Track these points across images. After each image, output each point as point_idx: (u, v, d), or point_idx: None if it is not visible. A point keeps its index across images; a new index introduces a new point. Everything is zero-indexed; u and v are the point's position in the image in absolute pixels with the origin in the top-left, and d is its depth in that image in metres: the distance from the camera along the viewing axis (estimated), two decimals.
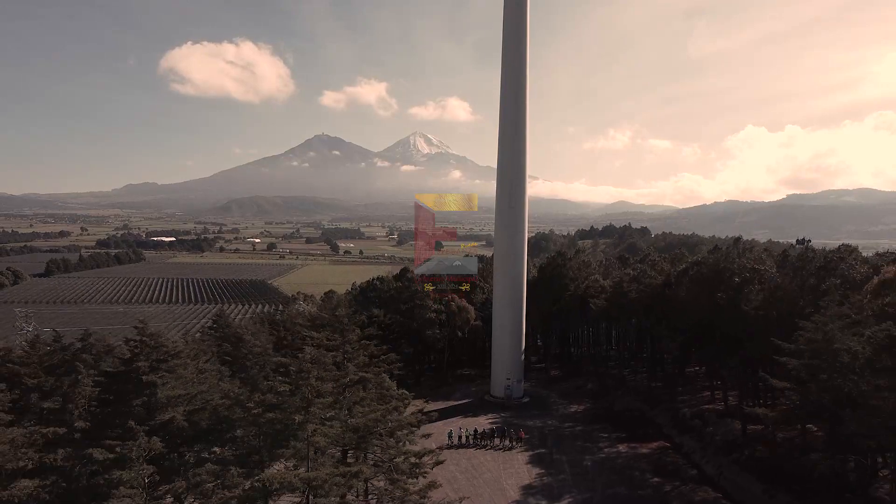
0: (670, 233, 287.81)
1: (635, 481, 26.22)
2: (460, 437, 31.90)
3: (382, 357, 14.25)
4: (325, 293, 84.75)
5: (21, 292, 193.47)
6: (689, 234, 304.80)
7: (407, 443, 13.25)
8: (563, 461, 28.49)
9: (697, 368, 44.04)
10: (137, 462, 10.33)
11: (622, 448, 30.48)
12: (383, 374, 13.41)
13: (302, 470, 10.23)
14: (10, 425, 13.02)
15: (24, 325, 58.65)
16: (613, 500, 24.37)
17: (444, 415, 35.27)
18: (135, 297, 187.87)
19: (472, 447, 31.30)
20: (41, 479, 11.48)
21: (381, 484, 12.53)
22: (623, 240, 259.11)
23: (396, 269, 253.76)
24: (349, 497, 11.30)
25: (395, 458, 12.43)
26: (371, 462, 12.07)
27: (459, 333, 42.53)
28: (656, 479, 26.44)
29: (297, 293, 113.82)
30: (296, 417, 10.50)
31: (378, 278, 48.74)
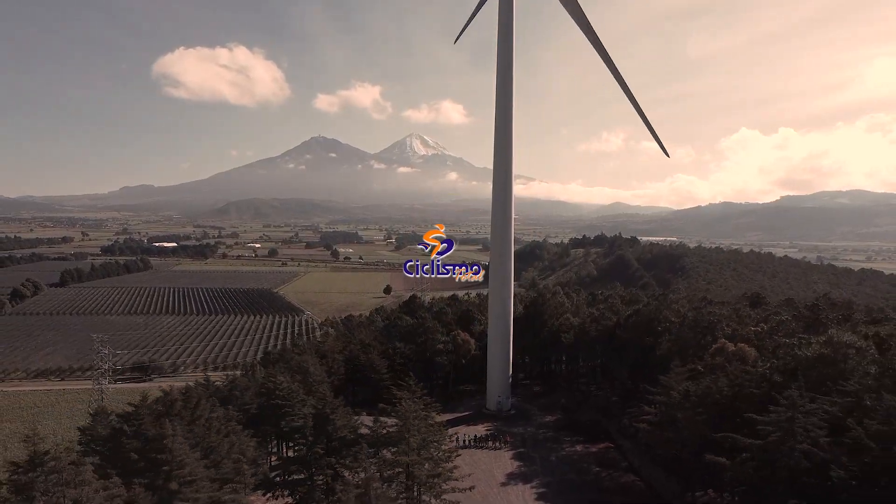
0: (657, 243, 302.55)
1: (583, 471, 38.61)
2: (463, 440, 44.09)
3: (432, 404, 26.28)
4: (344, 317, 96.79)
5: (43, 302, 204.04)
6: (677, 243, 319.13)
7: (443, 445, 25.36)
8: (536, 457, 40.79)
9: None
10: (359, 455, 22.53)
11: (578, 448, 42.88)
12: (431, 415, 25.25)
13: (405, 457, 22.39)
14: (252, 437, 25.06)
15: (101, 348, 70.19)
16: (566, 482, 36.67)
17: (451, 423, 47.45)
18: (151, 308, 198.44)
19: (472, 447, 43.41)
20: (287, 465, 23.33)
21: (427, 466, 24.59)
22: (613, 249, 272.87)
23: (396, 276, 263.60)
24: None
25: (437, 453, 24.53)
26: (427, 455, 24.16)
27: (462, 361, 54.90)
28: (598, 469, 38.84)
29: (326, 320, 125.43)
30: (405, 435, 22.69)
31: (398, 316, 60.71)
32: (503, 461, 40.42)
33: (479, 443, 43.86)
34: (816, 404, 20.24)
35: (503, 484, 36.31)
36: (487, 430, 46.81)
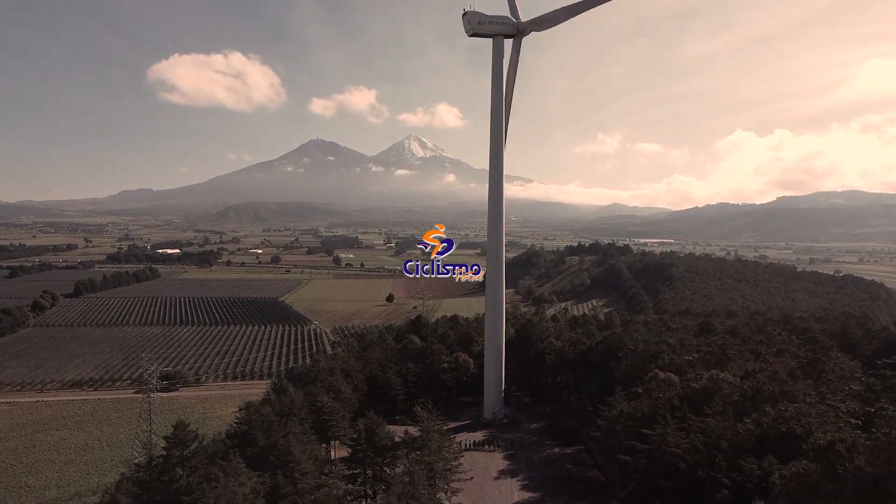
0: (649, 252, 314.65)
1: (558, 467, 49.41)
2: (465, 444, 54.71)
3: (444, 421, 37.16)
4: (358, 334, 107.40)
5: (62, 313, 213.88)
6: (668, 251, 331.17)
7: (451, 448, 36.08)
8: (522, 458, 51.55)
9: None
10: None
11: (556, 450, 53.70)
12: (442, 428, 35.82)
13: (427, 457, 33.09)
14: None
15: (149, 365, 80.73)
16: (544, 477, 47.43)
17: (455, 430, 58.18)
18: (166, 319, 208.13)
19: (472, 450, 53.95)
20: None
21: (441, 463, 35.27)
22: (606, 258, 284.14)
23: (397, 283, 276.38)
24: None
25: (447, 454, 35.22)
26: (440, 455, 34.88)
27: (463, 378, 65.77)
28: (570, 466, 49.65)
29: (335, 332, 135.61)
30: (427, 442, 33.58)
31: (409, 339, 71.37)
32: (496, 461, 51.20)
33: (477, 446, 54.53)
34: (691, 422, 31.02)
35: (495, 478, 47.10)
36: (484, 435, 57.51)
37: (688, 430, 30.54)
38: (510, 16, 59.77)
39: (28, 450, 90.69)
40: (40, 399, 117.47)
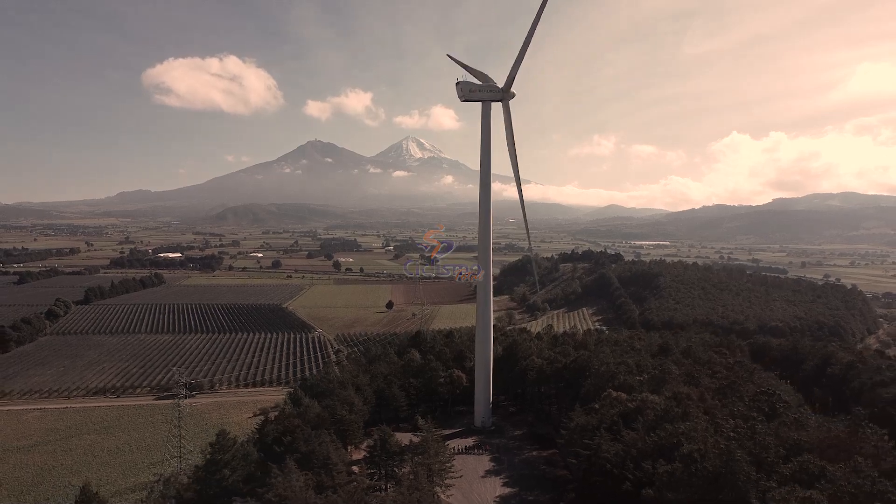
0: (641, 259, 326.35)
1: (534, 468, 59.67)
2: (457, 449, 64.84)
3: (437, 430, 47.32)
4: (361, 342, 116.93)
5: (75, 321, 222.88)
6: (659, 258, 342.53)
7: (446, 452, 46.11)
8: (505, 460, 61.79)
9: None
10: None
11: (534, 453, 64.01)
12: (440, 438, 45.81)
13: (427, 460, 43.18)
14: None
15: (180, 378, 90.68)
16: (522, 475, 57.63)
17: (449, 437, 68.47)
18: (175, 327, 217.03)
19: (463, 454, 64.13)
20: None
21: (438, 465, 45.34)
22: (598, 266, 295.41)
23: (397, 289, 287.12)
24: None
25: (443, 457, 45.21)
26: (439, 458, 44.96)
27: (457, 391, 76.14)
28: (544, 467, 59.99)
29: (340, 337, 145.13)
30: (427, 447, 43.49)
31: (410, 357, 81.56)
32: (483, 462, 61.48)
33: (467, 451, 64.71)
34: (622, 434, 41.25)
35: (482, 477, 57.39)
36: (474, 441, 67.76)
37: (618, 440, 40.79)
38: (494, 83, 69.99)
39: (65, 453, 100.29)
40: (68, 406, 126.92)
